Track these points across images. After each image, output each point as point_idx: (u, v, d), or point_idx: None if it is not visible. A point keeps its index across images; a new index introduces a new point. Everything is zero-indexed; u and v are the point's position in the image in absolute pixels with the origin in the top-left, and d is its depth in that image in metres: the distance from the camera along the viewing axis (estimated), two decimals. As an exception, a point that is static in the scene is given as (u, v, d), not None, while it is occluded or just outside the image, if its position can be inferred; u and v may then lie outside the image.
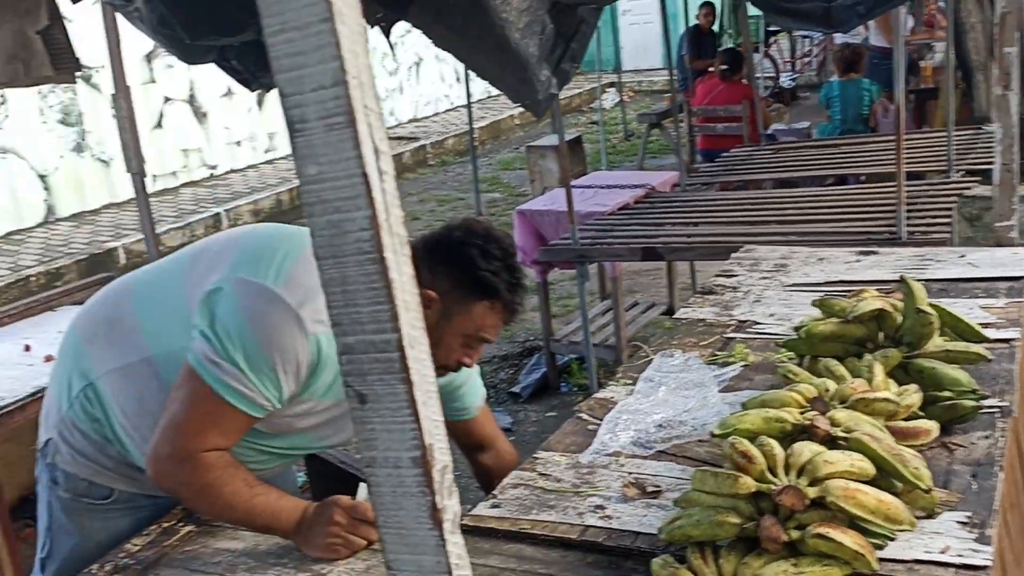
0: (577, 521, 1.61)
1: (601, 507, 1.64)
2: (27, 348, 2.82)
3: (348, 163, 0.58)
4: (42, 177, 8.15)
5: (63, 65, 2.05)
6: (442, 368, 1.65)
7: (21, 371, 2.68)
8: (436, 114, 12.68)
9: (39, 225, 8.10)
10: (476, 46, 1.60)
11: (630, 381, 2.15)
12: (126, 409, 1.71)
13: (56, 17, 2.18)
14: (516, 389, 4.64)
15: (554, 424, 4.65)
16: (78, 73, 2.15)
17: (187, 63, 2.17)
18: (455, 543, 0.67)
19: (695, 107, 6.84)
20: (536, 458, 1.87)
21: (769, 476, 1.36)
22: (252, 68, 2.01)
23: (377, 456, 0.63)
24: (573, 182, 5.11)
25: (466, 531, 1.63)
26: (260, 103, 9.97)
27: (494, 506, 1.70)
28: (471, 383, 1.96)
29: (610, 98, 14.30)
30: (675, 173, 4.84)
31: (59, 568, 1.80)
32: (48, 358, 2.64)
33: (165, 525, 1.78)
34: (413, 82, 12.21)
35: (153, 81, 8.96)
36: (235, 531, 1.74)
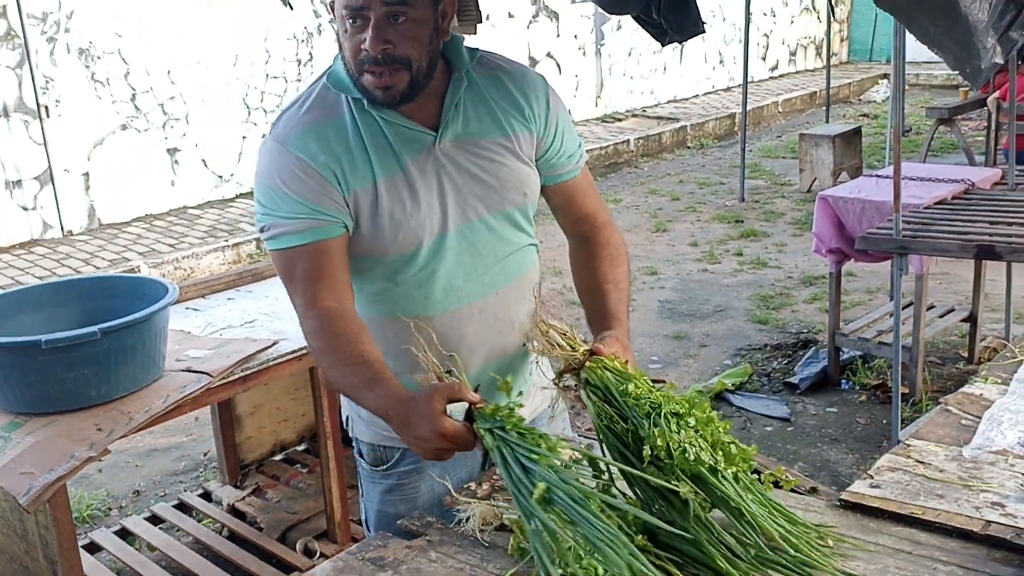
0: (975, 514, 1.52)
1: (1000, 504, 1.55)
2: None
3: None
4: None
5: (467, 17, 2.19)
6: (362, 69, 1.51)
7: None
8: (696, 96, 12.48)
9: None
10: (921, 7, 1.54)
11: (999, 380, 2.02)
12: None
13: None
14: (794, 380, 4.49)
15: (835, 419, 4.48)
16: (480, 24, 2.29)
17: (609, 13, 2.27)
18: None
19: (1005, 102, 6.28)
20: (909, 445, 1.79)
21: None
22: (671, 22, 2.07)
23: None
24: (873, 172, 4.84)
25: (846, 507, 1.61)
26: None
27: (873, 486, 1.65)
28: (560, 131, 1.72)
29: (881, 90, 13.44)
30: (996, 171, 4.47)
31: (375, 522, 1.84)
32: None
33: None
34: (676, 63, 12.06)
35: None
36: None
